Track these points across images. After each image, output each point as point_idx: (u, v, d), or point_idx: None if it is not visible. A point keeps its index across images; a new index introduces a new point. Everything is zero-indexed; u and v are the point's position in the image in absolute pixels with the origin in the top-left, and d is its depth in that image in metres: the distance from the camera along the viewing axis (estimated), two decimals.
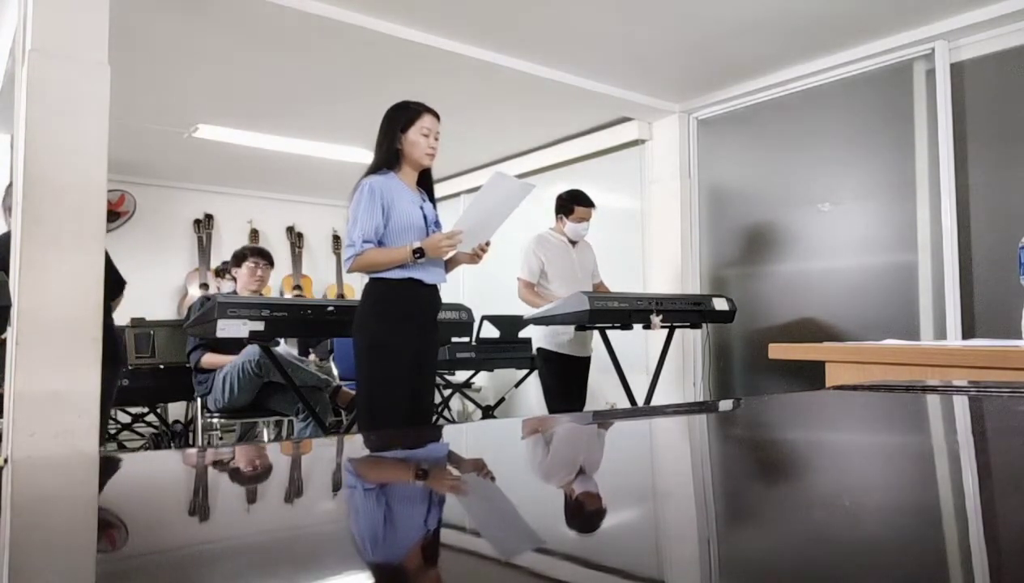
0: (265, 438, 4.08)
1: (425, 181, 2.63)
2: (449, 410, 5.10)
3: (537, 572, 0.31)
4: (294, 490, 0.51)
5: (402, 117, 2.52)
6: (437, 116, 2.56)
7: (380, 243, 2.43)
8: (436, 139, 2.54)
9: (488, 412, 4.89)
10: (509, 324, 4.37)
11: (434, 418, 3.67)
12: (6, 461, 1.99)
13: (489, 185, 2.48)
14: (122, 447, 4.58)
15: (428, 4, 3.12)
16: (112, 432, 4.44)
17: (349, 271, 2.49)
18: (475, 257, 2.58)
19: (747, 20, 3.29)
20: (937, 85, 3.33)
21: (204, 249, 6.30)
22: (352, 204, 2.46)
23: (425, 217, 2.51)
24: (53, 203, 2.25)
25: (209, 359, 3.53)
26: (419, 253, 2.38)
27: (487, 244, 2.58)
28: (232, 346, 3.38)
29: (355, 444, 0.76)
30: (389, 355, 2.40)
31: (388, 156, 2.52)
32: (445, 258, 2.55)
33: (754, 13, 3.22)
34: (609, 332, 3.35)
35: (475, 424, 2.86)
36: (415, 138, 2.50)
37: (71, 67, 2.33)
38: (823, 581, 0.29)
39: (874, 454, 0.64)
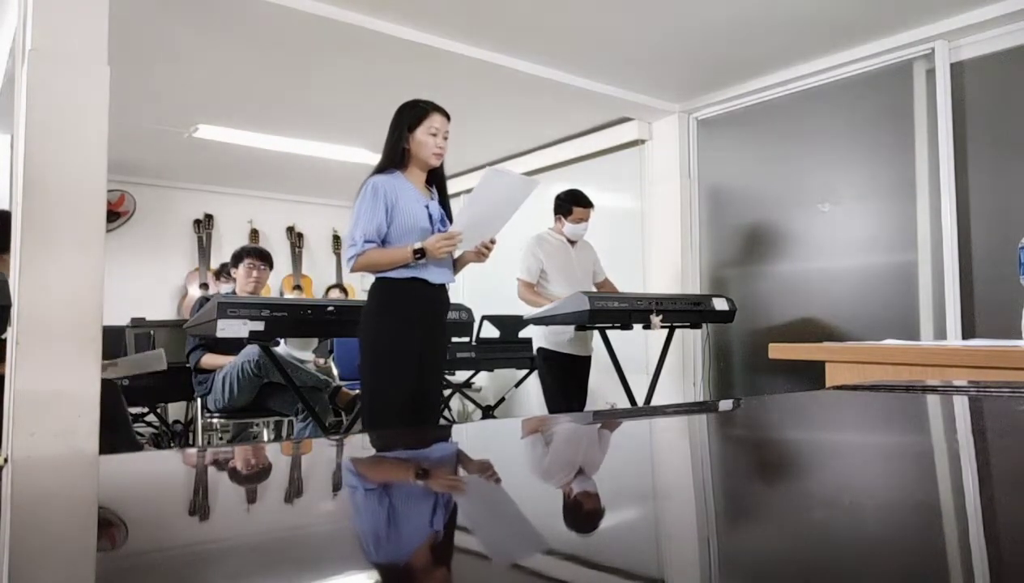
0: (265, 438, 4.08)
1: (436, 180, 2.60)
2: (449, 410, 5.10)
3: (537, 572, 0.31)
4: (294, 490, 0.51)
5: (410, 116, 2.49)
6: (447, 115, 2.53)
7: (384, 243, 2.42)
8: (445, 138, 2.51)
9: (488, 412, 4.88)
10: (509, 324, 4.37)
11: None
12: (6, 461, 1.99)
13: (483, 182, 2.45)
14: None
15: (428, 4, 3.12)
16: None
17: (351, 271, 2.47)
18: (480, 255, 2.54)
19: (747, 20, 3.29)
20: (937, 85, 3.33)
21: (204, 249, 6.30)
22: (356, 204, 2.45)
23: (431, 216, 2.48)
24: (53, 203, 2.24)
25: (209, 359, 3.53)
26: (420, 254, 2.37)
27: (492, 242, 2.54)
28: (232, 346, 3.38)
29: (354, 444, 0.76)
30: (393, 355, 2.39)
31: (395, 155, 2.49)
32: (446, 258, 2.52)
33: (754, 13, 3.22)
34: (609, 332, 3.35)
35: (475, 424, 2.86)
36: (423, 138, 2.47)
37: (71, 67, 2.32)
38: (823, 581, 0.29)
39: (874, 454, 0.64)
